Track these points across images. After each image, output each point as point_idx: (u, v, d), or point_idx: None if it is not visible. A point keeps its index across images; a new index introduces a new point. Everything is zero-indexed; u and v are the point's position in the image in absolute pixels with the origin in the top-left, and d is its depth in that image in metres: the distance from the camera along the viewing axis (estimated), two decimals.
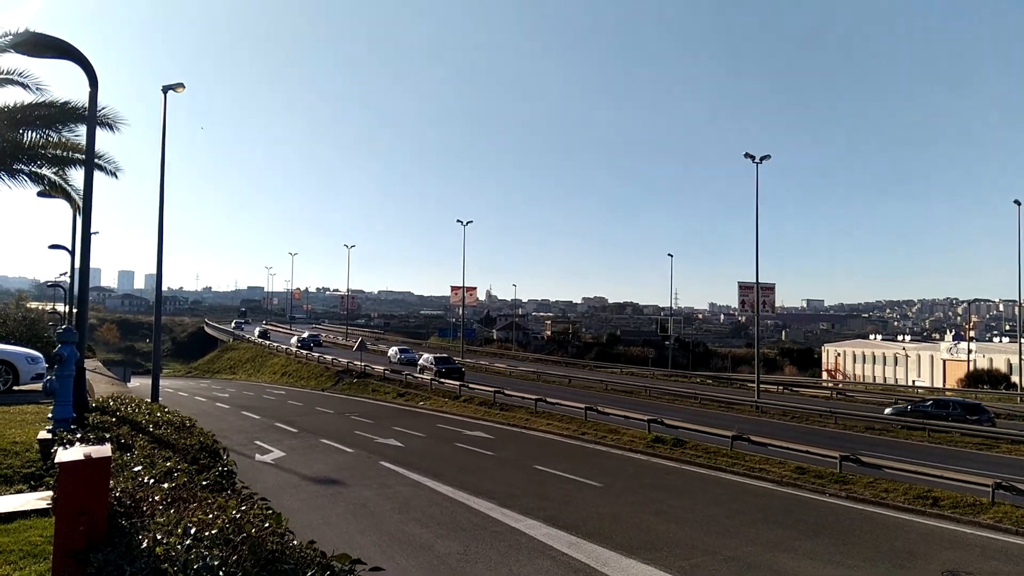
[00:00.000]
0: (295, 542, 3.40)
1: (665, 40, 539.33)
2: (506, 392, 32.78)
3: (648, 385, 43.51)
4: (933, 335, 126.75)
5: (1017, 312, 62.51)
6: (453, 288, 73.83)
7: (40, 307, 56.10)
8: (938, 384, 69.68)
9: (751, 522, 13.20)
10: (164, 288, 28.66)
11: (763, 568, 10.44)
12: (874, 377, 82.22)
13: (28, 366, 14.54)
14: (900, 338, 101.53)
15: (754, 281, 40.02)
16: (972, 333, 76.98)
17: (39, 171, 16.31)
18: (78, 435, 6.15)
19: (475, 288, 78.18)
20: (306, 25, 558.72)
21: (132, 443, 6.26)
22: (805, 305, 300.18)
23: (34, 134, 14.84)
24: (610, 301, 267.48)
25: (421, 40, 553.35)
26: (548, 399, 30.24)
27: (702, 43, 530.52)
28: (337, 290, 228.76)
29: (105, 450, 3.95)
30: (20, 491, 6.76)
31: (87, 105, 9.48)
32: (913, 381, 75.16)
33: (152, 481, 4.42)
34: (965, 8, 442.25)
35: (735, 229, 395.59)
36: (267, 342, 71.68)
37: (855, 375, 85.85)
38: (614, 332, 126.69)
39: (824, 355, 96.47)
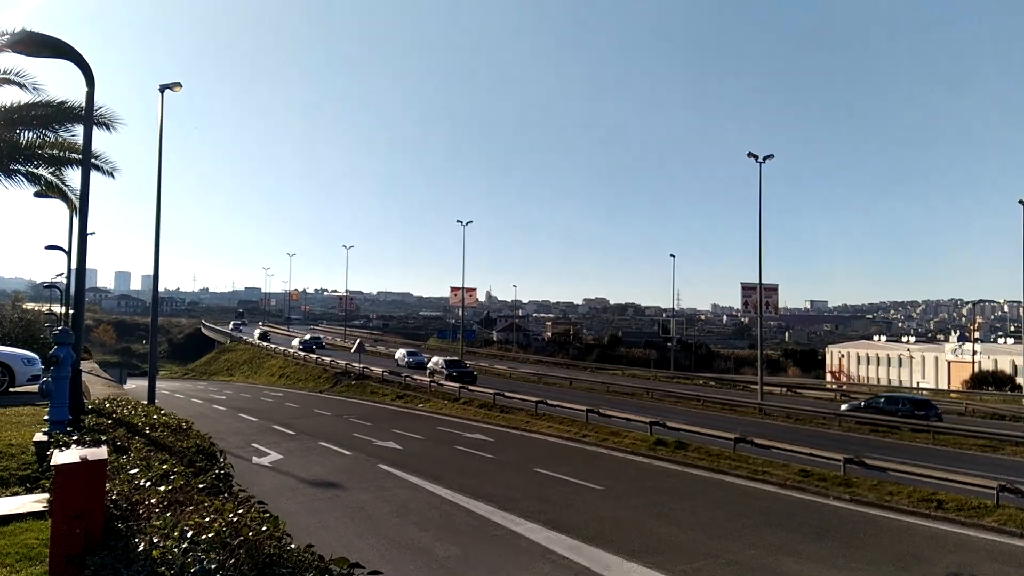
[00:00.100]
0: (293, 545, 3.37)
1: (665, 40, 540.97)
2: (506, 394, 32.72)
3: (650, 387, 43.46)
4: (938, 336, 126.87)
5: (1022, 313, 62.50)
6: (453, 289, 73.75)
7: (36, 308, 56.17)
8: (943, 386, 69.58)
9: (754, 525, 13.12)
10: (161, 289, 28.64)
11: (766, 571, 10.36)
12: (878, 379, 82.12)
13: (24, 368, 14.46)
14: (904, 339, 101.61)
15: (757, 282, 39.96)
16: (977, 334, 76.77)
17: (36, 171, 16.26)
18: (74, 437, 6.09)
19: (475, 289, 78.12)
20: (304, 25, 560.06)
21: (128, 445, 6.20)
22: (808, 306, 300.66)
23: (31, 134, 14.81)
24: (611, 302, 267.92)
25: (420, 41, 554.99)
26: (549, 401, 30.17)
27: (703, 43, 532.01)
28: (335, 291, 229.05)
29: (101, 452, 3.91)
30: (16, 493, 6.70)
31: (84, 105, 9.43)
32: (918, 383, 75.07)
33: (148, 484, 4.38)
34: (965, 8, 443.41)
35: (737, 230, 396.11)
36: (267, 344, 71.23)
37: (859, 377, 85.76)
38: (615, 333, 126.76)
39: (828, 356, 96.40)
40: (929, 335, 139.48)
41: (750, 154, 37.19)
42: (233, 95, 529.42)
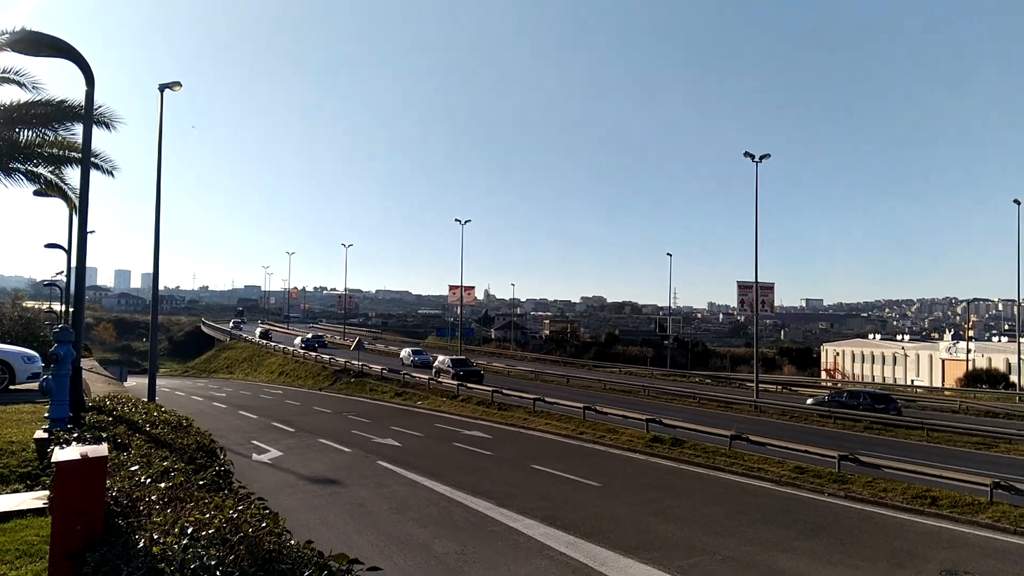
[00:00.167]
0: (292, 542, 3.40)
1: (665, 40, 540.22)
2: (504, 391, 32.77)
3: (647, 384, 43.50)
4: (932, 335, 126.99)
5: (1016, 312, 62.66)
6: (451, 287, 73.68)
7: (36, 306, 56.03)
8: (937, 384, 69.77)
9: (749, 522, 13.20)
10: (161, 287, 28.63)
11: (761, 568, 10.44)
12: (873, 377, 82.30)
13: (24, 365, 14.51)
14: (899, 338, 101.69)
15: (753, 280, 40.03)
16: (971, 333, 77.08)
17: (35, 170, 16.27)
18: (74, 434, 6.13)
19: (473, 287, 78.09)
20: (304, 25, 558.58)
21: (129, 443, 6.24)
22: (804, 304, 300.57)
23: (30, 133, 14.82)
24: (608, 300, 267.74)
25: (420, 41, 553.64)
26: (546, 398, 30.23)
27: (702, 42, 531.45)
28: (334, 289, 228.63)
29: (102, 450, 3.94)
30: (16, 491, 6.73)
31: (83, 104, 9.45)
32: (912, 381, 75.24)
33: (149, 481, 4.41)
34: (965, 8, 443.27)
35: (734, 229, 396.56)
36: (268, 343, 70.76)
37: (854, 375, 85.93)
38: (612, 331, 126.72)
39: (823, 355, 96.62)
40: (924, 333, 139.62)
41: (746, 154, 37.18)
42: (233, 95, 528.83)
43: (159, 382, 29.79)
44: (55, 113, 14.45)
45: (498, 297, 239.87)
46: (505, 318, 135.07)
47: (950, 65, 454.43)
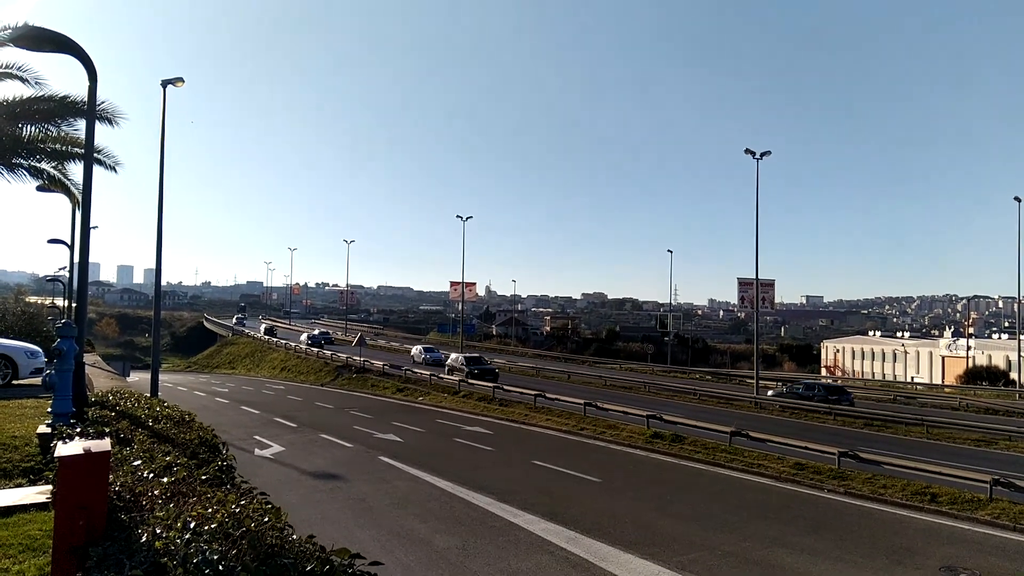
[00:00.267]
0: (294, 536, 3.41)
1: (665, 40, 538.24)
2: (505, 387, 32.82)
3: (647, 381, 43.54)
4: (932, 332, 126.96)
5: (1016, 309, 62.56)
6: (452, 284, 73.71)
7: (39, 301, 56.17)
8: (937, 381, 69.71)
9: (749, 518, 13.24)
10: (163, 283, 28.66)
11: (761, 563, 10.47)
12: (873, 374, 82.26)
13: (27, 360, 14.54)
14: (899, 335, 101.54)
15: (754, 277, 39.97)
16: (971, 330, 76.97)
17: (38, 165, 16.26)
18: (77, 429, 6.16)
19: (474, 284, 78.06)
20: (304, 25, 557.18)
21: (131, 437, 6.27)
22: (804, 301, 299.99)
23: (33, 128, 14.79)
24: (609, 297, 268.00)
25: (420, 41, 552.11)
26: (547, 395, 30.27)
27: (702, 42, 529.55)
28: (336, 285, 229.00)
29: (104, 444, 3.95)
30: (19, 485, 6.77)
31: (86, 99, 9.44)
32: (912, 377, 75.19)
33: (151, 475, 4.43)
34: (965, 8, 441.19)
35: (735, 226, 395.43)
36: (272, 339, 70.11)
37: (854, 371, 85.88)
38: (613, 328, 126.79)
39: (823, 351, 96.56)
40: (924, 330, 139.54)
41: (747, 150, 37.06)
42: (235, 91, 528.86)
43: (162, 377, 29.82)
44: (58, 109, 14.43)
45: (499, 293, 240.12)
46: (506, 314, 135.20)
47: (950, 65, 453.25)
